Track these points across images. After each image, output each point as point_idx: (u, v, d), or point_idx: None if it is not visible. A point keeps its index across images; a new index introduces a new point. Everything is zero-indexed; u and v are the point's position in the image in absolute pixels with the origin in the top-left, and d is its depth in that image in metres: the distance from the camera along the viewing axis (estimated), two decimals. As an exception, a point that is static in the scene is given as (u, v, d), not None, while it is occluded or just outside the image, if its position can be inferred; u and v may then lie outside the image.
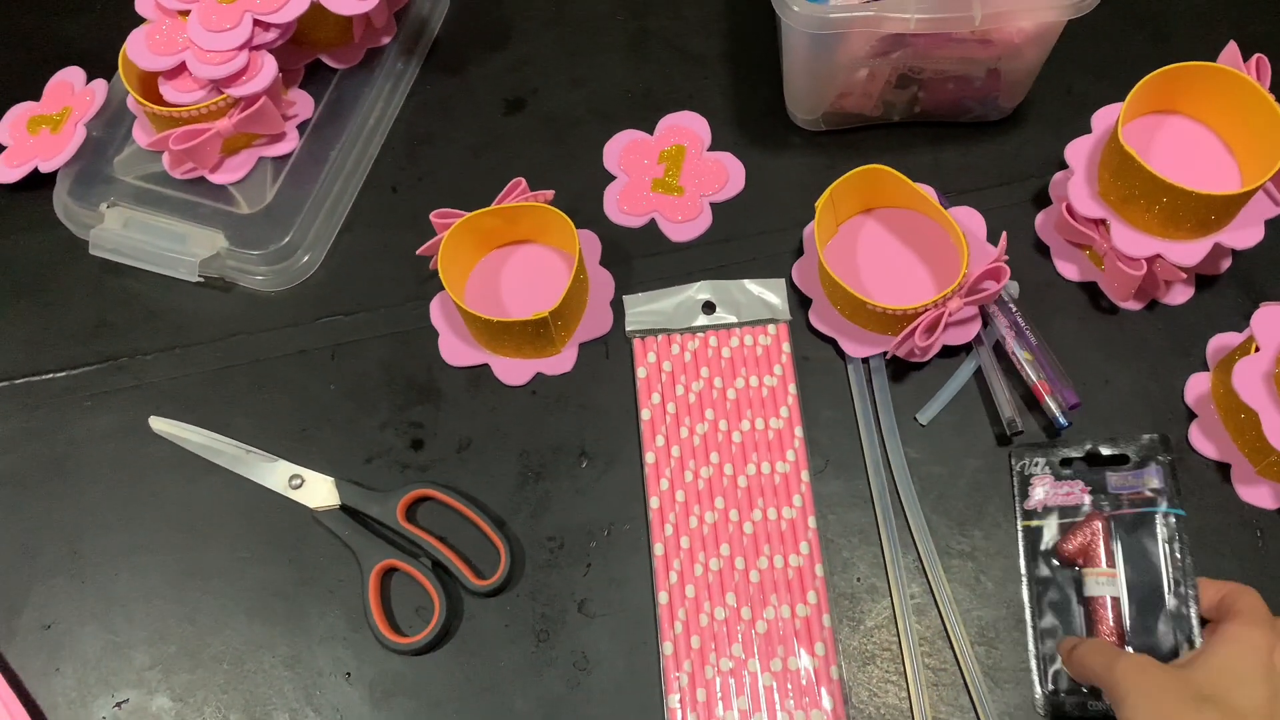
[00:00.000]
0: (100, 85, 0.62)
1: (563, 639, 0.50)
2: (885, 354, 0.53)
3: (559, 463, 0.53)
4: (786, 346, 0.54)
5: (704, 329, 0.55)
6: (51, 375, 0.57)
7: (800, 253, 0.57)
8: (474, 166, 0.61)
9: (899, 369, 0.54)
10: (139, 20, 0.57)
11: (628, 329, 0.55)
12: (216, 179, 0.59)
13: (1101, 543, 0.49)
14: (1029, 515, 0.51)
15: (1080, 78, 0.61)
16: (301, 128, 0.60)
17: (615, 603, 0.50)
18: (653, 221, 0.59)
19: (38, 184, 0.61)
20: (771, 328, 0.55)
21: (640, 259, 0.58)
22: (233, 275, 0.58)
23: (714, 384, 0.54)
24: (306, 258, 0.58)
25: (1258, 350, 0.49)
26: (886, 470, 0.52)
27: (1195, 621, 0.47)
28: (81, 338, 0.58)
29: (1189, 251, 0.51)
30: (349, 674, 0.50)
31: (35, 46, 0.67)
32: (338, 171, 0.60)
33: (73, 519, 0.54)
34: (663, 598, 0.50)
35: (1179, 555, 0.48)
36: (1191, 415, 0.53)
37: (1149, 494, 0.50)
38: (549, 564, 0.51)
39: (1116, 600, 0.48)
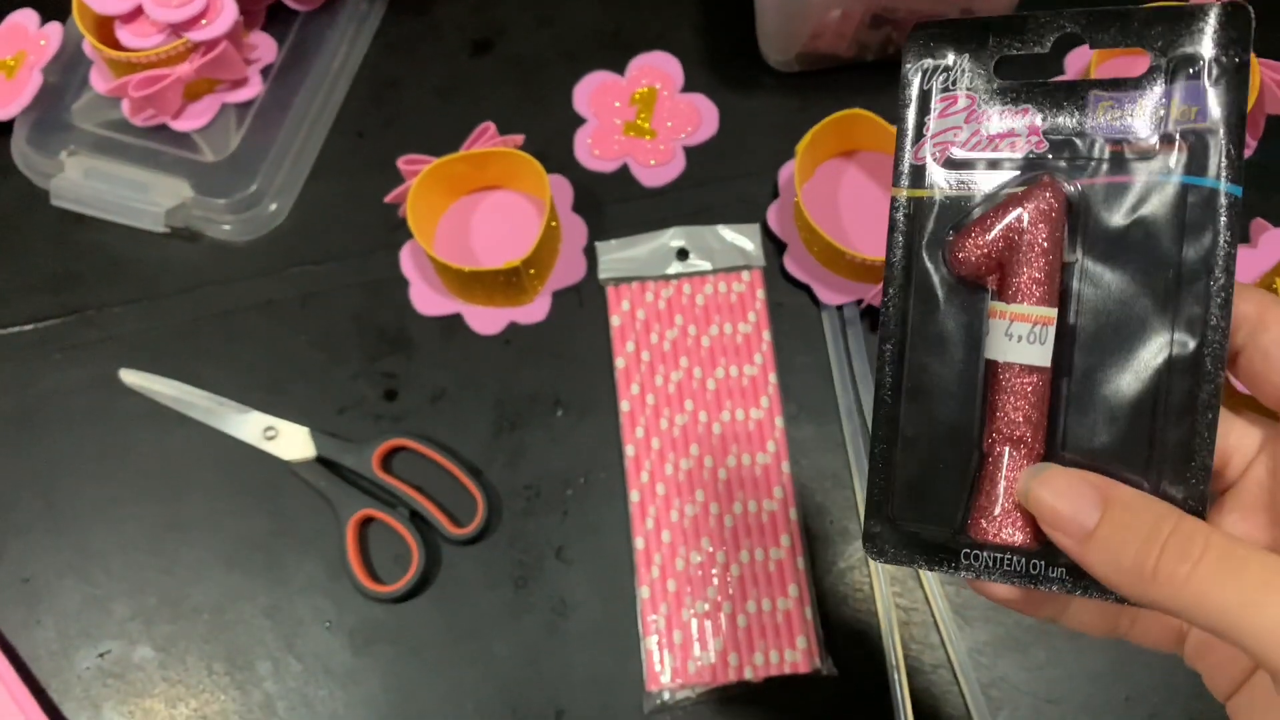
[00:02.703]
0: (55, 28, 0.60)
1: (541, 585, 0.51)
2: (860, 302, 0.53)
3: (534, 412, 0.53)
4: (760, 293, 0.54)
5: (678, 276, 0.55)
6: (17, 329, 0.56)
7: (775, 196, 0.57)
8: (441, 110, 0.60)
9: (874, 316, 0.54)
10: (92, -40, 0.56)
11: (601, 277, 0.55)
12: (179, 126, 0.58)
13: (1045, 247, 0.27)
14: (916, 176, 0.28)
15: (1055, 15, 0.60)
16: (265, 73, 0.59)
17: (592, 549, 0.51)
18: (625, 166, 0.58)
19: (-6, 132, 0.59)
20: (746, 274, 0.55)
21: (613, 204, 0.58)
22: (199, 225, 0.57)
23: (688, 331, 0.54)
24: (274, 206, 0.57)
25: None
26: (859, 416, 0.52)
27: (1207, 440, 0.25)
28: (46, 290, 0.57)
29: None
30: (329, 623, 0.50)
31: (-16, -14, 0.64)
32: (303, 117, 0.58)
33: (46, 472, 0.53)
34: (639, 543, 0.50)
35: (1219, 287, 0.25)
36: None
37: (1173, 142, 0.26)
38: (526, 512, 0.52)
39: (1043, 375, 0.27)
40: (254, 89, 0.59)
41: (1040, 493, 0.25)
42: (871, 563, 0.50)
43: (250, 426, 0.53)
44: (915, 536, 0.29)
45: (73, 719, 0.49)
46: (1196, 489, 0.25)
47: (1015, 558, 0.27)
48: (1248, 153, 0.53)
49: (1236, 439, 0.27)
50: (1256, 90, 0.49)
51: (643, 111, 0.59)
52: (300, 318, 0.56)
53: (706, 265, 0.55)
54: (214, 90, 0.58)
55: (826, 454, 0.52)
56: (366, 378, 0.55)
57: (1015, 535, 0.27)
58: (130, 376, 0.54)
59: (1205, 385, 0.26)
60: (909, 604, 0.49)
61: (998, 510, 0.27)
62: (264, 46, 0.60)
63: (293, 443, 0.53)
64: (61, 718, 0.49)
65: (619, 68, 0.61)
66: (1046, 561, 0.27)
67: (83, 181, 0.57)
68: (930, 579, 0.49)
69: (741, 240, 0.55)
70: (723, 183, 0.58)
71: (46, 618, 0.51)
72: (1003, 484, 0.27)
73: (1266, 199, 0.54)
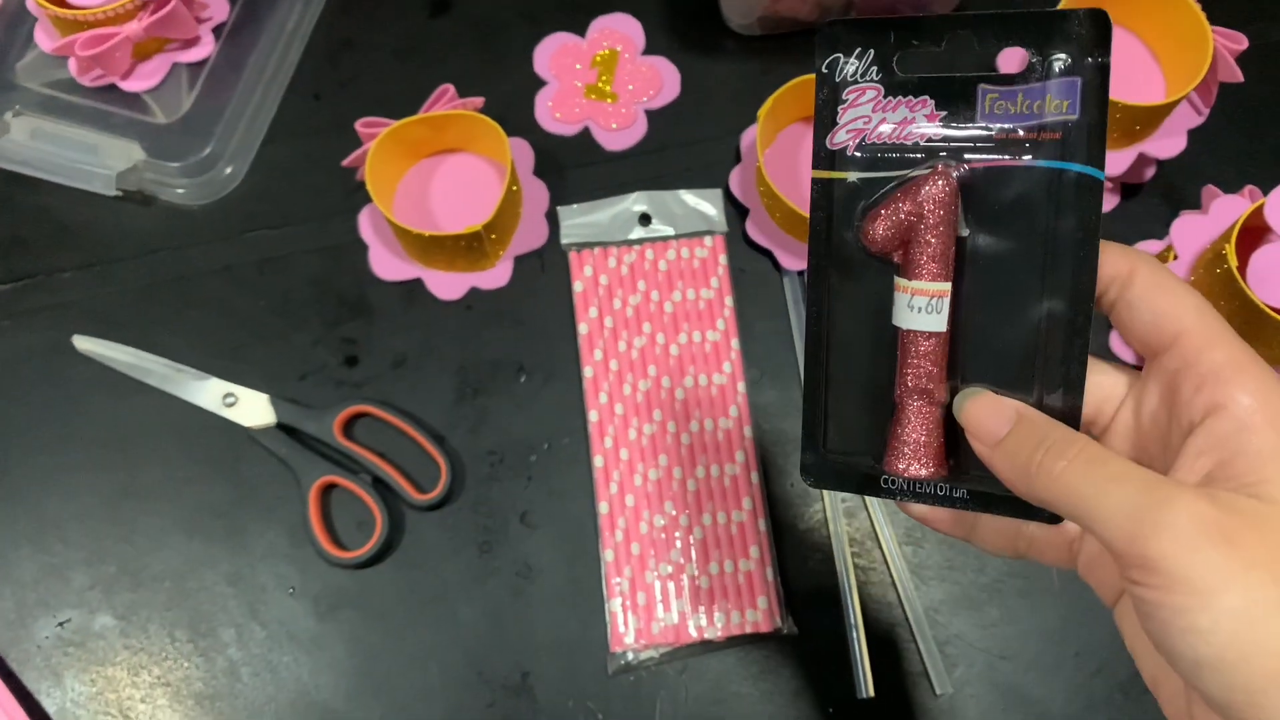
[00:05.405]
0: (-5, -17, 0.58)
1: (505, 549, 0.51)
2: (819, 264, 0.54)
3: (497, 377, 0.53)
4: (723, 259, 0.55)
5: (640, 241, 0.55)
6: (-35, 295, 0.55)
7: (737, 161, 0.57)
8: (399, 72, 0.59)
9: (832, 279, 0.55)
10: (33, -87, 0.54)
11: (563, 242, 0.55)
12: (128, 86, 0.56)
13: (941, 229, 0.30)
14: (825, 158, 0.31)
15: (1015, -20, 0.61)
16: (217, 32, 0.58)
17: (556, 513, 0.51)
18: (586, 130, 0.58)
19: (-66, 91, 0.57)
20: (708, 239, 0.55)
21: (574, 169, 0.57)
22: (152, 188, 0.56)
23: (651, 297, 0.54)
24: (229, 170, 0.56)
25: (1176, 259, 0.51)
26: (820, 380, 0.53)
27: (1078, 382, 0.29)
28: (-6, 255, 0.56)
29: (1115, 161, 0.52)
30: (293, 589, 0.50)
31: (-80, -62, 0.62)
32: (257, 78, 0.57)
33: (-2, 441, 0.53)
34: (603, 507, 0.51)
35: (1080, 255, 0.29)
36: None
37: (1048, 131, 0.29)
38: (490, 477, 0.52)
39: (940, 339, 0.30)
40: (206, 49, 0.57)
41: (970, 408, 0.30)
42: (831, 524, 0.51)
43: (209, 393, 0.53)
44: (844, 466, 0.33)
45: (33, 688, 0.49)
46: (1073, 419, 0.29)
47: (927, 483, 0.32)
48: (1201, 120, 0.54)
49: (1108, 388, 0.31)
50: (1209, 58, 0.50)
51: (604, 74, 0.59)
52: (258, 283, 0.55)
53: (669, 230, 0.55)
54: (164, 50, 0.57)
55: (788, 418, 0.53)
56: (326, 344, 0.54)
57: (921, 470, 0.31)
58: (84, 343, 0.53)
59: (1076, 339, 0.29)
60: (867, 564, 0.50)
61: (908, 450, 0.31)
62: (215, 4, 0.58)
63: (253, 409, 0.52)
64: (21, 687, 0.49)
65: (580, 29, 0.60)
66: (951, 486, 0.31)
67: (29, 143, 0.55)
68: (888, 539, 0.50)
69: (704, 205, 0.55)
70: (685, 147, 0.58)
71: (3, 588, 0.50)
72: (911, 428, 0.31)
73: (1218, 166, 0.55)
